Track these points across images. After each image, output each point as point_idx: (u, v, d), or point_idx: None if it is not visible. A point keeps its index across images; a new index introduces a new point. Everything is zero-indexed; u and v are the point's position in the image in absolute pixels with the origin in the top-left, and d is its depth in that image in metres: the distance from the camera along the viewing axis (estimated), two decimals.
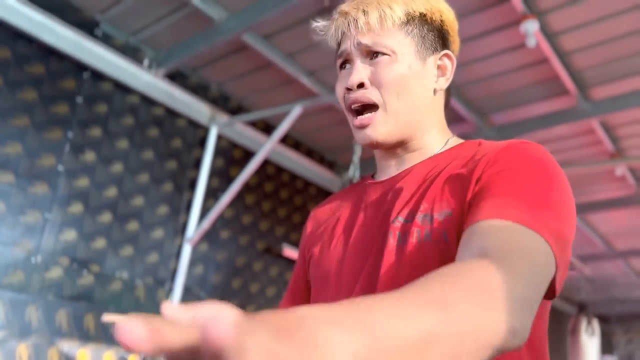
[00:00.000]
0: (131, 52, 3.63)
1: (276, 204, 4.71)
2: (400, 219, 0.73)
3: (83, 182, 3.36)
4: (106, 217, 3.45)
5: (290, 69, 3.69)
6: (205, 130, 4.06)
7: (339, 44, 0.84)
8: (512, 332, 0.49)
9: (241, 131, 4.18)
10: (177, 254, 3.84)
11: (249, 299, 4.37)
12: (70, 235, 3.26)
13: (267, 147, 3.73)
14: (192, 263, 3.92)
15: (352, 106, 0.81)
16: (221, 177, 4.22)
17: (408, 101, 0.79)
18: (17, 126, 3.08)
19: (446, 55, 0.83)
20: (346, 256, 0.81)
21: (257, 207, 4.53)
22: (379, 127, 0.79)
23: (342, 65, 0.84)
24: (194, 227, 3.84)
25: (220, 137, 4.12)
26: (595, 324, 6.59)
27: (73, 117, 3.34)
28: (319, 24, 0.86)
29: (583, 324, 6.48)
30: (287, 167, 4.64)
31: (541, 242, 0.57)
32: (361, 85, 0.79)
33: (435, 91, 0.82)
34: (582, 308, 6.56)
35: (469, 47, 3.28)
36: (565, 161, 4.46)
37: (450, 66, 0.83)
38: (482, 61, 3.42)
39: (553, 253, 0.58)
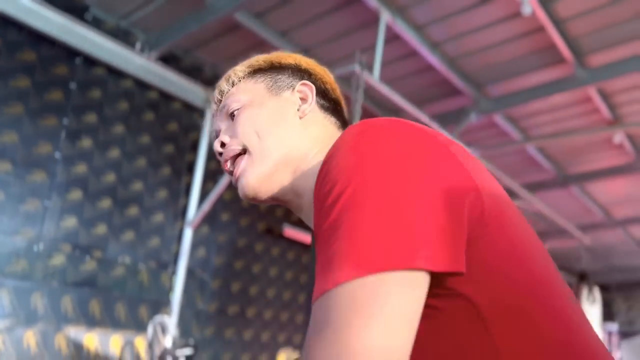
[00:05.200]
0: (122, 36, 3.59)
1: None
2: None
3: (81, 168, 3.35)
4: (106, 203, 3.45)
5: (284, 47, 3.66)
6: (201, 113, 4.04)
7: None
8: None
9: None
10: (179, 237, 3.85)
11: (252, 280, 4.40)
12: (70, 222, 3.26)
13: None
14: (194, 246, 3.94)
15: (227, 167, 0.80)
16: (219, 160, 4.21)
17: (268, 135, 0.76)
18: (12, 114, 3.06)
19: (302, 84, 0.81)
20: None
21: None
22: (248, 172, 0.75)
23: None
24: (194, 210, 3.85)
25: None
26: (596, 292, 6.67)
27: (67, 104, 3.31)
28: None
29: (584, 293, 6.56)
30: None
31: (329, 295, 0.46)
32: (223, 145, 0.80)
33: (301, 118, 0.79)
34: (583, 277, 6.63)
35: (463, 18, 3.25)
36: (563, 130, 4.46)
37: (309, 92, 0.80)
38: (477, 32, 3.39)
39: (354, 277, 0.45)
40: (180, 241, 3.82)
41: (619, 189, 5.51)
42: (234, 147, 0.78)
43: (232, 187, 4.15)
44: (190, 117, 4.04)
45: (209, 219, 4.06)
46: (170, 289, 3.75)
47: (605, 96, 3.99)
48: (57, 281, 3.16)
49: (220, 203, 4.14)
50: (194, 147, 4.02)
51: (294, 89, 0.80)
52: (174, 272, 3.79)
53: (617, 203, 5.98)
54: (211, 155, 4.12)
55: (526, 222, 0.61)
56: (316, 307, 0.47)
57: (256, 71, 0.83)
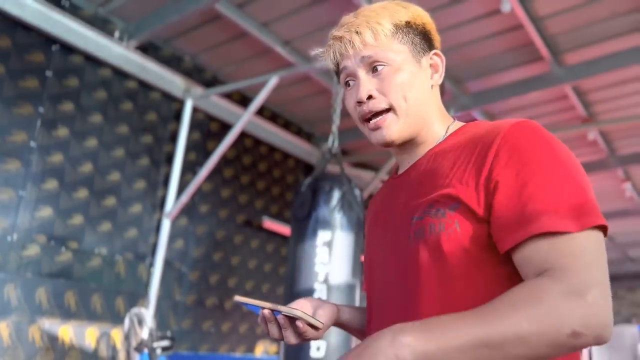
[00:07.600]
0: (101, 24, 3.53)
1: (255, 176, 4.70)
2: (415, 217, 0.82)
3: (57, 158, 3.29)
4: (82, 193, 3.41)
5: (266, 38, 3.64)
6: (180, 103, 4.00)
7: (337, 66, 0.93)
8: (571, 334, 0.61)
9: (217, 103, 4.13)
10: (157, 229, 3.82)
11: (231, 272, 4.40)
12: (46, 212, 3.21)
13: (244, 119, 3.70)
14: (172, 237, 3.91)
15: (364, 115, 0.89)
16: (198, 151, 4.18)
17: (413, 101, 0.88)
18: None
19: (435, 54, 0.92)
20: (374, 257, 0.94)
21: (236, 180, 4.51)
22: (392, 127, 0.88)
23: (347, 83, 0.92)
24: (172, 202, 3.82)
25: (195, 110, 4.07)
26: None
27: (43, 92, 3.25)
28: (318, 51, 0.95)
29: None
30: (265, 139, 4.62)
31: (577, 236, 0.68)
32: (369, 97, 0.88)
33: (432, 87, 0.92)
34: None
35: (443, 14, 3.27)
36: None
37: (440, 63, 0.92)
38: (457, 28, 3.42)
39: (591, 227, 0.69)
40: (158, 232, 3.79)
41: (592, 184, 5.62)
42: (382, 105, 0.87)
43: (210, 178, 4.13)
44: (169, 107, 4.00)
45: (188, 210, 4.04)
46: (147, 280, 3.72)
47: (580, 94, 4.07)
48: (32, 272, 3.11)
49: (199, 194, 4.11)
50: (173, 137, 3.98)
51: (428, 54, 0.91)
52: (151, 264, 3.76)
53: None
54: (190, 145, 4.09)
55: None
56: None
57: (398, 29, 0.89)
